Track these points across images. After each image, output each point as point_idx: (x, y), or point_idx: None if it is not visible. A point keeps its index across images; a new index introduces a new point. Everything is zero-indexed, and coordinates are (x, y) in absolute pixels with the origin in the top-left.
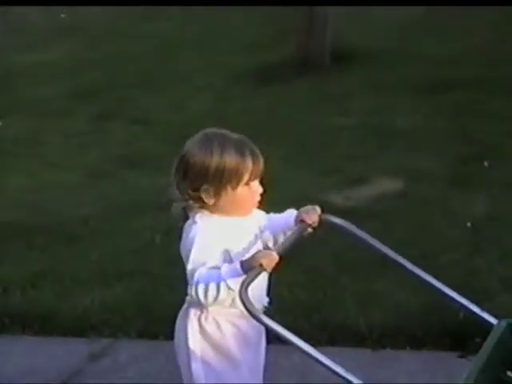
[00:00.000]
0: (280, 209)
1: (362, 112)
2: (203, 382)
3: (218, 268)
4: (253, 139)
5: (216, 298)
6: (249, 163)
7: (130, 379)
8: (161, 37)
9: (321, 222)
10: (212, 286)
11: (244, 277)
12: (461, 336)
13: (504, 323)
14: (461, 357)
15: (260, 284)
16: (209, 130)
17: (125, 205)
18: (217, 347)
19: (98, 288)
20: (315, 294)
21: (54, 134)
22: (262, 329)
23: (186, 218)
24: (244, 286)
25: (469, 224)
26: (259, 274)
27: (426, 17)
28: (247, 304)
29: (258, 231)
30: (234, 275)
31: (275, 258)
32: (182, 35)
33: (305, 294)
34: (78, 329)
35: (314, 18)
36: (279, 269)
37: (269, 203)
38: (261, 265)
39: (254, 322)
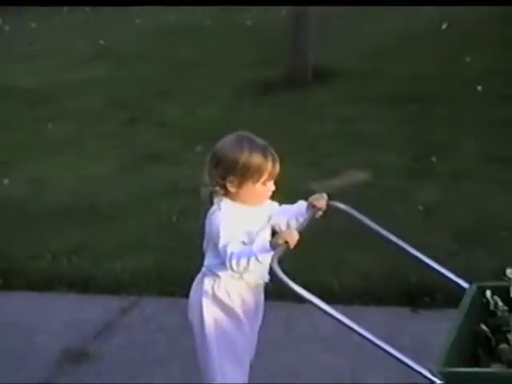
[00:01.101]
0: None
1: (338, 119)
2: (214, 337)
3: (245, 244)
4: None
5: (246, 268)
6: (270, 165)
7: (151, 330)
8: (177, 58)
9: (328, 206)
10: (243, 260)
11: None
12: (413, 295)
13: (475, 287)
14: (412, 311)
15: (264, 264)
16: (241, 132)
17: (148, 192)
18: (226, 311)
19: (127, 257)
20: (298, 262)
21: (92, 135)
22: (262, 299)
23: (211, 201)
24: (275, 259)
25: (420, 207)
26: (285, 249)
27: (392, 41)
28: (278, 272)
29: (267, 218)
30: (264, 251)
31: (296, 235)
32: (194, 57)
33: (290, 262)
34: (111, 289)
35: (300, 43)
36: (299, 245)
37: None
38: (286, 242)
39: (255, 292)
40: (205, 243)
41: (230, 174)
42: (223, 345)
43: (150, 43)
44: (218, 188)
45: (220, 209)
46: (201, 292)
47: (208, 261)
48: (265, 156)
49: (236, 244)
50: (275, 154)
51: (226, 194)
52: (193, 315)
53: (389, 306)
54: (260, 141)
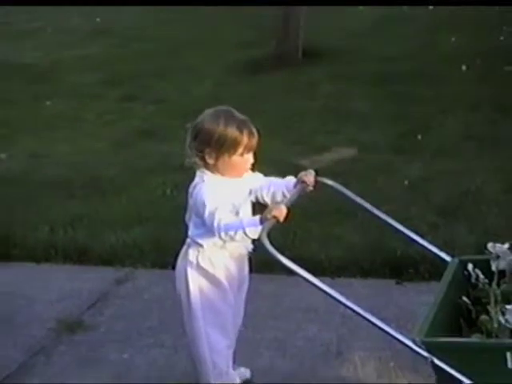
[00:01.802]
0: (263, 169)
1: (326, 97)
2: (199, 306)
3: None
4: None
5: (232, 238)
6: (245, 138)
7: (145, 301)
8: (171, 38)
9: (316, 182)
10: (232, 232)
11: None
12: (397, 268)
13: (457, 260)
14: (397, 283)
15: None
16: (220, 107)
17: (142, 166)
18: (210, 280)
19: (122, 229)
20: (288, 236)
21: (90, 111)
22: (246, 269)
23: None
24: (264, 233)
25: (406, 182)
26: (274, 224)
27: (379, 21)
28: (267, 245)
29: (247, 191)
30: (253, 225)
31: (284, 210)
32: (187, 36)
33: (280, 236)
34: (107, 260)
35: (289, 22)
36: (288, 219)
37: (255, 167)
38: (274, 216)
39: (239, 261)
40: (187, 215)
41: (207, 147)
42: (208, 313)
43: (146, 23)
44: (197, 159)
45: (203, 180)
46: (186, 262)
47: (191, 231)
48: (240, 129)
49: (223, 212)
50: (253, 128)
51: (206, 165)
52: (179, 285)
53: (374, 279)
54: (238, 115)
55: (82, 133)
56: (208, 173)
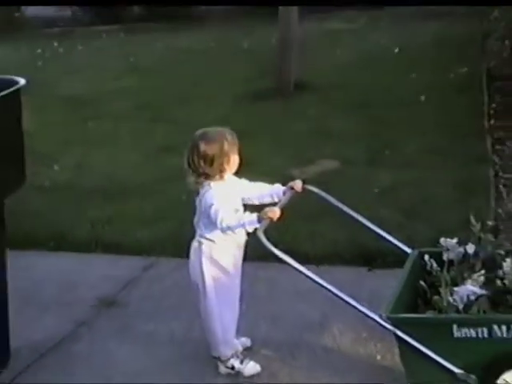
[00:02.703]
0: (261, 179)
1: (312, 120)
2: (213, 291)
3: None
4: (246, 135)
5: (232, 231)
6: (226, 145)
7: (166, 285)
8: (188, 73)
9: (304, 189)
10: (234, 227)
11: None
12: (369, 258)
13: (416, 252)
14: (369, 270)
15: (242, 231)
16: (195, 135)
17: (164, 176)
18: (221, 269)
19: (148, 226)
20: (280, 231)
21: (123, 131)
22: (241, 255)
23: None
24: (261, 230)
25: (376, 190)
26: (269, 223)
27: (357, 60)
28: (263, 240)
29: (237, 193)
30: (252, 223)
31: (278, 212)
32: (202, 72)
33: (275, 232)
34: (136, 251)
35: (283, 61)
36: (281, 220)
37: (255, 175)
38: (269, 217)
39: (240, 249)
40: (195, 218)
41: (208, 166)
42: (220, 296)
43: (168, 61)
44: (201, 179)
45: (211, 188)
46: (200, 257)
47: (203, 231)
48: (220, 142)
49: (226, 211)
50: (229, 135)
51: (209, 178)
52: (195, 276)
53: (351, 266)
54: (212, 130)
55: (116, 148)
56: (212, 182)
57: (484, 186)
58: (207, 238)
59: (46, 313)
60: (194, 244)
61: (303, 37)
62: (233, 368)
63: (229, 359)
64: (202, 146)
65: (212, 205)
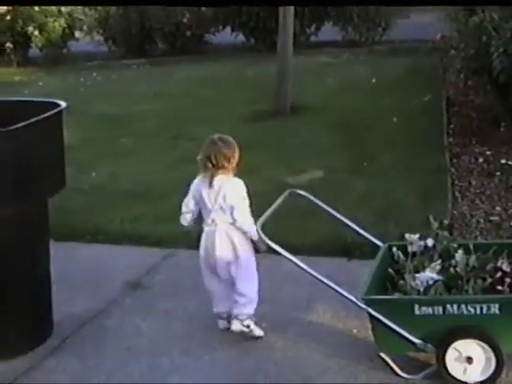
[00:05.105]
0: (262, 184)
1: (305, 137)
2: (252, 257)
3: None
4: (249, 149)
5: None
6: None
7: (183, 271)
8: (202, 97)
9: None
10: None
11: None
12: (349, 250)
13: (386, 245)
14: (348, 260)
15: None
16: (215, 137)
17: (183, 182)
18: (249, 245)
19: (168, 223)
20: (271, 228)
21: (150, 146)
22: None
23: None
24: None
25: (355, 195)
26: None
27: (342, 87)
28: (261, 235)
29: None
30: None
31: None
32: (213, 96)
33: (273, 228)
34: (157, 243)
35: (281, 86)
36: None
37: (256, 181)
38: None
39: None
40: (210, 203)
41: (230, 160)
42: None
43: (186, 88)
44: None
45: (235, 178)
46: (232, 239)
47: (230, 219)
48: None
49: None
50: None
51: (227, 171)
52: (228, 249)
53: (333, 257)
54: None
55: (144, 160)
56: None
57: (443, 193)
58: (236, 226)
59: (83, 293)
60: (223, 226)
61: (297, 68)
62: (248, 327)
63: (247, 319)
64: (224, 147)
65: (245, 198)
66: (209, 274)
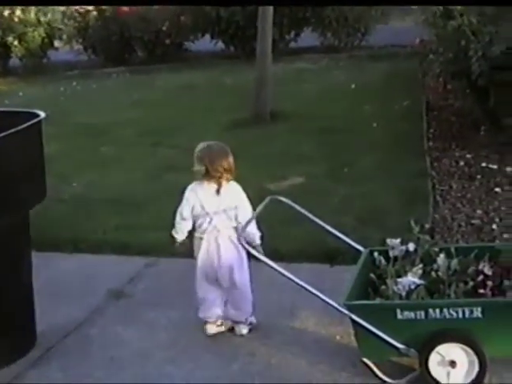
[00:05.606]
0: (244, 191)
1: (284, 144)
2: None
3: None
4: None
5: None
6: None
7: (165, 279)
8: (183, 106)
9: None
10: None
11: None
12: (331, 256)
13: (368, 250)
14: (331, 266)
15: None
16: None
17: (164, 191)
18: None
19: (150, 232)
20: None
21: (130, 154)
22: None
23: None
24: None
25: (335, 200)
26: None
27: (323, 93)
28: (244, 244)
29: None
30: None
31: None
32: (193, 104)
33: None
34: (140, 251)
35: (260, 93)
36: None
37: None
38: None
39: None
40: (216, 207)
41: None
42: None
43: (165, 96)
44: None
45: (236, 184)
46: (235, 242)
47: (234, 223)
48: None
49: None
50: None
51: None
52: (232, 255)
53: (316, 263)
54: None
55: (125, 169)
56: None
57: (423, 196)
58: (236, 231)
59: (65, 303)
60: (223, 238)
61: (276, 74)
62: (250, 324)
63: (250, 317)
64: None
65: (247, 201)
66: (206, 282)
